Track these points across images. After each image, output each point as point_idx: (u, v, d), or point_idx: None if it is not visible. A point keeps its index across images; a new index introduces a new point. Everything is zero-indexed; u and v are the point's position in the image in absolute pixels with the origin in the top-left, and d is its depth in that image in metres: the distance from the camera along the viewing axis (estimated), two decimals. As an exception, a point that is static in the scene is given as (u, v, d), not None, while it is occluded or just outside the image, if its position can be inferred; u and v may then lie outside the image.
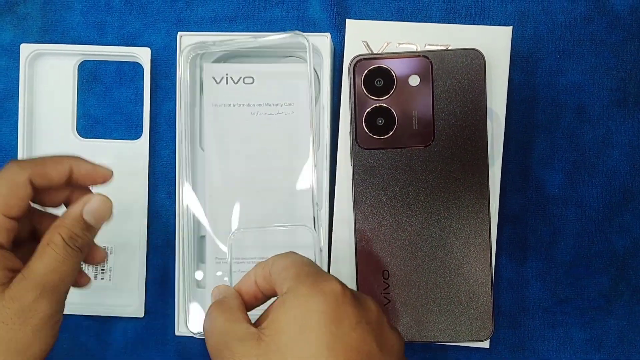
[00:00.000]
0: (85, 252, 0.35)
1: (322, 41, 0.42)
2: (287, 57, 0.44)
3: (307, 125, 0.41)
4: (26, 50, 0.45)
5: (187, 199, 0.43)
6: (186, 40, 0.43)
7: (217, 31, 0.45)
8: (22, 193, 0.33)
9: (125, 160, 0.46)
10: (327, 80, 0.42)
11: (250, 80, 0.43)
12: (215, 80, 0.43)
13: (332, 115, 0.43)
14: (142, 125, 0.46)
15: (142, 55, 0.45)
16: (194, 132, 0.45)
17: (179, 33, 0.43)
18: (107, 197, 0.35)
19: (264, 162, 0.43)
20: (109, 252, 0.46)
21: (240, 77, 0.43)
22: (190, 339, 0.45)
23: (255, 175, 0.43)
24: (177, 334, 0.44)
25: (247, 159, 0.43)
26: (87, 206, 0.35)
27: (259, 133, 0.43)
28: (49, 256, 0.33)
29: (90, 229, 0.35)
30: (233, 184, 0.44)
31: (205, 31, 0.45)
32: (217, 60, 0.45)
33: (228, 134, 0.43)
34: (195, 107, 0.45)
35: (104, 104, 0.47)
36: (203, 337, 0.42)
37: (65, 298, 0.34)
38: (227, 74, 0.43)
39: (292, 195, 0.43)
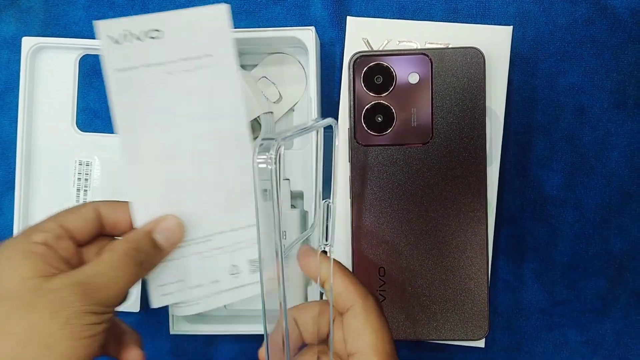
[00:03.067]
0: (147, 270, 0.34)
1: (307, 35, 0.42)
2: (275, 53, 0.44)
3: (233, 79, 0.36)
4: (28, 43, 0.45)
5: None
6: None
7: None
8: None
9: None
10: (314, 73, 0.42)
11: (157, 33, 0.35)
12: (114, 40, 0.35)
13: (320, 109, 0.43)
14: (142, 119, 0.46)
15: (143, 50, 0.45)
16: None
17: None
18: (182, 222, 0.35)
19: (191, 127, 0.36)
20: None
21: (144, 32, 0.35)
22: (185, 335, 0.45)
23: (183, 147, 0.36)
24: (171, 332, 0.43)
25: (172, 127, 0.36)
26: (160, 225, 0.34)
27: (179, 95, 0.36)
28: (102, 260, 0.32)
29: (157, 249, 0.34)
30: (161, 161, 0.36)
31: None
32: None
33: (143, 102, 0.36)
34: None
35: (104, 98, 0.46)
36: (197, 334, 0.42)
37: (109, 310, 0.32)
38: (126, 30, 0.35)
39: (227, 160, 0.37)
